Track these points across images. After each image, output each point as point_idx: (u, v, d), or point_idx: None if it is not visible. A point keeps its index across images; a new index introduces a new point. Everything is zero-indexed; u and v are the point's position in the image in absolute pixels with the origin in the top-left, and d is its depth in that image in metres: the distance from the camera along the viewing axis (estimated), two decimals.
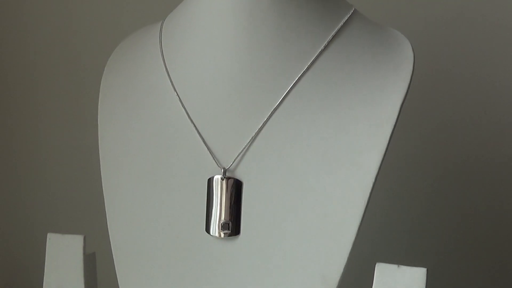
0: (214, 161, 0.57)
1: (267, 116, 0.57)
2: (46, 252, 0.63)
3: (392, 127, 0.54)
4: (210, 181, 0.57)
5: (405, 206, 0.94)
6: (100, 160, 0.61)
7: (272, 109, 0.57)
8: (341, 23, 0.58)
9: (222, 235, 0.57)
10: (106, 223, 0.60)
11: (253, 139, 0.57)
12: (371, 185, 0.54)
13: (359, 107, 0.56)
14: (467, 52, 0.92)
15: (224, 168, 0.57)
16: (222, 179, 0.57)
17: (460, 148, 0.94)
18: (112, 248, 0.60)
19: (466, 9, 0.92)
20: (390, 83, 0.56)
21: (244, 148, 0.57)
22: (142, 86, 0.61)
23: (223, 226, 0.57)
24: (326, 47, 0.57)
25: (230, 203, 0.57)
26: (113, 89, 0.62)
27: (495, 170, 0.93)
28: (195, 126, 0.58)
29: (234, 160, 0.57)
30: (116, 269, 0.60)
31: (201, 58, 0.59)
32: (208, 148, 0.58)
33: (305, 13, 0.57)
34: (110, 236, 0.60)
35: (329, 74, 0.57)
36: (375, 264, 0.55)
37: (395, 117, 0.55)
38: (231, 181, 0.57)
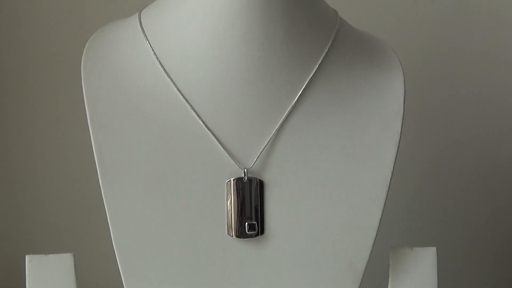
0: (233, 162, 0.56)
1: (284, 116, 0.57)
2: (27, 277, 0.56)
3: (401, 120, 0.59)
4: (229, 183, 0.56)
5: (406, 196, 0.97)
6: (98, 169, 0.56)
7: (289, 109, 0.57)
8: (336, 27, 0.60)
9: (247, 236, 0.56)
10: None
11: (272, 139, 0.57)
12: (390, 175, 0.58)
13: (368, 105, 0.59)
14: (466, 51, 0.97)
15: (245, 169, 0.56)
16: (244, 180, 0.56)
17: (463, 142, 0.97)
18: (118, 263, 0.56)
19: (464, 7, 0.96)
20: (389, 82, 0.60)
21: (264, 148, 0.57)
22: (137, 89, 0.57)
23: (250, 227, 0.56)
24: (329, 50, 0.59)
25: (256, 203, 0.56)
26: (101, 92, 0.57)
27: (499, 160, 0.98)
28: (207, 127, 0.56)
29: (255, 161, 0.57)
30: (124, 284, 0.56)
31: (207, 57, 0.57)
32: (226, 150, 0.56)
33: (311, 17, 0.58)
34: (115, 250, 0.55)
35: (336, 75, 0.59)
36: (390, 248, 0.60)
37: (402, 111, 0.59)
38: (254, 182, 0.56)
